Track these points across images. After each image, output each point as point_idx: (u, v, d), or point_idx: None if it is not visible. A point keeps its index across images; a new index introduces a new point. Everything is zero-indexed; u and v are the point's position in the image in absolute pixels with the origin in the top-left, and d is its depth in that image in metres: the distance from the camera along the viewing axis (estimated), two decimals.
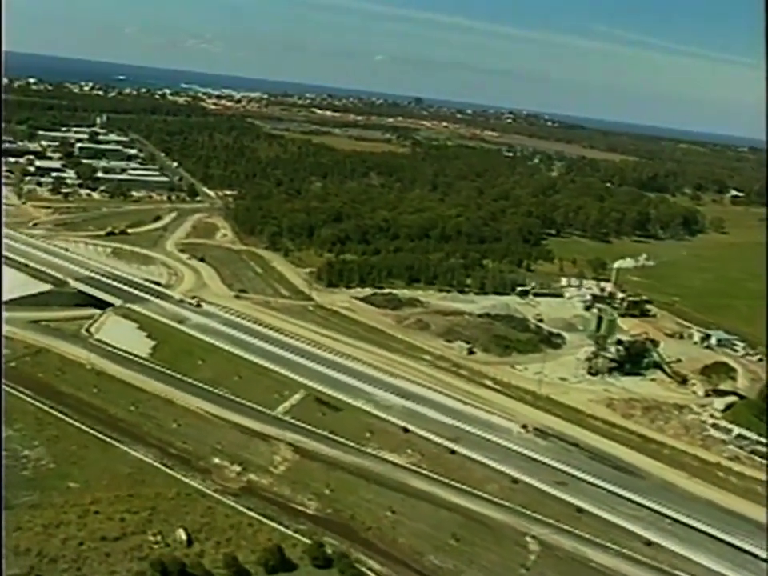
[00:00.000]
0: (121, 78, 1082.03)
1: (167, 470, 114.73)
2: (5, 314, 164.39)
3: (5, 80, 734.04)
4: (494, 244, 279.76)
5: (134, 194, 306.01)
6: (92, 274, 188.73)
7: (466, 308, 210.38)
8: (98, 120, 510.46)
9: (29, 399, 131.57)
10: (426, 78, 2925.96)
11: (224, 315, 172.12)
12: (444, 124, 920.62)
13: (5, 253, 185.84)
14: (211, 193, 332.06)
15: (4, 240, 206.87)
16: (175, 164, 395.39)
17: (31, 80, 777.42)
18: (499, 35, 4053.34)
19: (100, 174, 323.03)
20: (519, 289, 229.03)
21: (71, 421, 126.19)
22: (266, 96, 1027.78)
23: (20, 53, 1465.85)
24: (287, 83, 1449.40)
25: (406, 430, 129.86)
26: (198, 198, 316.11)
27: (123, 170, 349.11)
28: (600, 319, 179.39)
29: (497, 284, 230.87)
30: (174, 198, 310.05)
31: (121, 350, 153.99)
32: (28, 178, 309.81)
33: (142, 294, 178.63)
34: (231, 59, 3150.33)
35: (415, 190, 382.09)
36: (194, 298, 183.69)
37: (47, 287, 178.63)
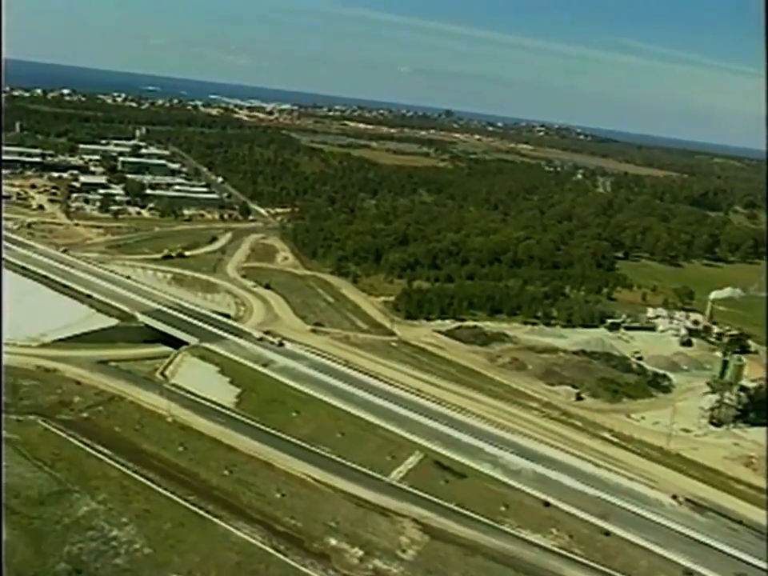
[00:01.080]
0: (151, 89, 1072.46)
1: (280, 555, 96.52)
2: (71, 353, 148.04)
3: (39, 90, 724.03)
4: (568, 269, 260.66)
5: (185, 212, 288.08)
6: (158, 306, 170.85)
7: (558, 343, 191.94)
8: (138, 133, 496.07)
9: (109, 461, 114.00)
10: (451, 90, 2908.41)
11: (311, 356, 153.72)
12: (477, 137, 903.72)
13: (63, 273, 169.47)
14: (262, 211, 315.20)
15: (58, 265, 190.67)
16: (220, 179, 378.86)
17: (65, 91, 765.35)
18: (525, 48, 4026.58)
19: (148, 191, 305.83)
20: (609, 321, 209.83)
21: (160, 489, 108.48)
22: (296, 107, 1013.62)
23: (52, 63, 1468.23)
24: (312, 94, 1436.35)
25: (546, 504, 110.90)
26: (251, 217, 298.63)
27: (170, 186, 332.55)
28: (725, 363, 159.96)
29: (584, 315, 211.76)
30: (226, 216, 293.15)
31: (202, 398, 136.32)
32: (75, 195, 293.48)
33: (215, 330, 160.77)
34: (256, 70, 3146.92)
35: (469, 208, 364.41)
36: (274, 336, 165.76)
37: (113, 321, 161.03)
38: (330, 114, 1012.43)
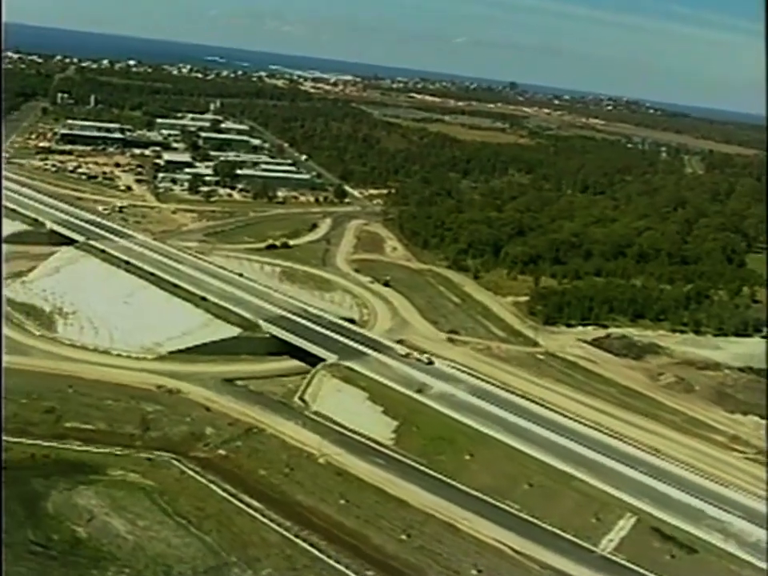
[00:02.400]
0: (213, 59, 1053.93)
1: None
2: (193, 368, 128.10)
3: (106, 62, 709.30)
4: (698, 265, 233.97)
5: (278, 194, 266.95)
6: (280, 311, 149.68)
7: (716, 356, 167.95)
8: (212, 106, 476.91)
9: (264, 519, 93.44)
10: (509, 61, 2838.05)
11: (466, 378, 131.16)
12: (545, 110, 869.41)
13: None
14: (355, 192, 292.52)
15: (163, 259, 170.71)
16: (304, 157, 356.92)
17: (131, 62, 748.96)
18: (585, 18, 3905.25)
19: (238, 171, 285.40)
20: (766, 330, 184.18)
21: (331, 561, 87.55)
22: (358, 79, 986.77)
23: (112, 35, 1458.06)
24: (368, 65, 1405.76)
25: None
26: (347, 200, 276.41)
27: (255, 164, 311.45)
28: None
29: (737, 323, 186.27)
30: (321, 199, 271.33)
31: (353, 431, 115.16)
32: (161, 175, 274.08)
33: (348, 342, 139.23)
34: (312, 41, 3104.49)
35: (567, 191, 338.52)
36: (409, 346, 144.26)
37: (234, 330, 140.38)
38: (394, 85, 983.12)
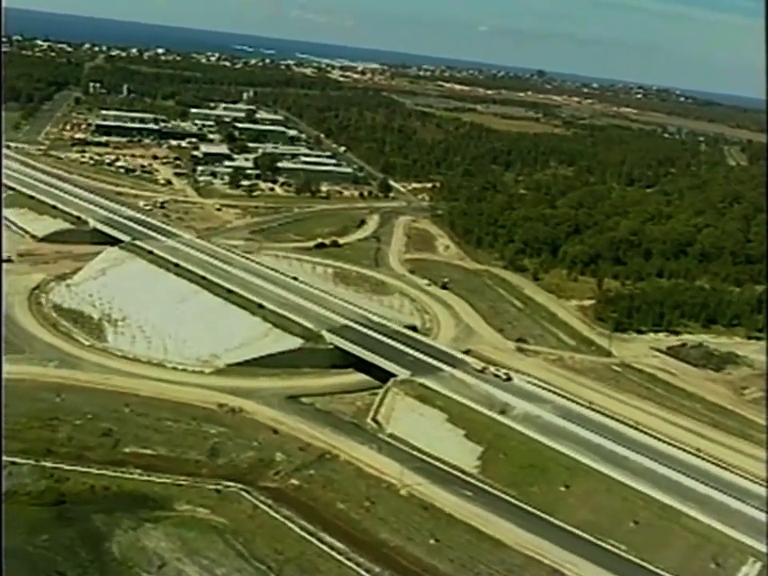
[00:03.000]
0: (240, 47, 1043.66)
1: None
2: (254, 383, 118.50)
3: (134, 50, 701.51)
4: (764, 265, 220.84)
5: (322, 188, 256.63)
6: (341, 320, 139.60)
7: None
8: (245, 95, 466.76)
9: (350, 563, 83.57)
10: (534, 49, 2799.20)
11: (548, 396, 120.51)
12: (576, 99, 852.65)
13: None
14: (398, 186, 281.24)
15: (212, 260, 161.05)
16: (342, 148, 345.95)
17: (159, 50, 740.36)
18: (610, 5, 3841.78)
19: (279, 165, 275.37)
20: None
21: None
22: (385, 67, 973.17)
23: (143, 23, 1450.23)
24: (393, 53, 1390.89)
25: None
26: (392, 195, 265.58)
27: (294, 157, 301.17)
28: None
29: None
30: (365, 194, 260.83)
31: (435, 457, 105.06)
32: (201, 168, 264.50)
33: (420, 356, 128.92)
34: (335, 29, 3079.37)
35: (613, 184, 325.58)
36: (477, 356, 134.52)
37: (295, 341, 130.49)
38: (421, 74, 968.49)
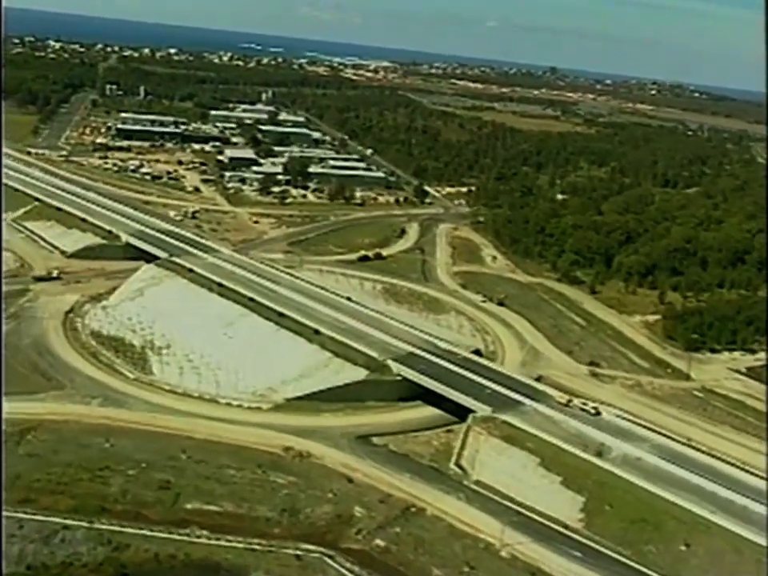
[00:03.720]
0: (253, 46, 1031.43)
1: None
2: (318, 421, 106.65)
3: (146, 50, 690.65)
4: None
5: (356, 194, 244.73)
6: (403, 344, 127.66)
7: None
8: (263, 96, 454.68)
9: None
10: (542, 44, 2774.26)
11: (642, 433, 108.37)
12: (590, 96, 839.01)
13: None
14: (432, 191, 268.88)
15: (257, 279, 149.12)
16: (369, 151, 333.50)
17: (172, 50, 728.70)
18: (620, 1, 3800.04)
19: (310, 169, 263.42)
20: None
21: None
22: (397, 65, 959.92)
23: (151, 23, 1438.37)
24: (400, 50, 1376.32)
25: None
26: (428, 201, 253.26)
27: (322, 160, 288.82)
28: None
29: None
30: (401, 200, 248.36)
31: (532, 509, 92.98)
32: (229, 174, 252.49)
33: (496, 387, 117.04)
34: (342, 26, 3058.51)
35: (648, 185, 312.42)
36: (547, 382, 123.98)
37: (359, 372, 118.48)
38: (433, 71, 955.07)
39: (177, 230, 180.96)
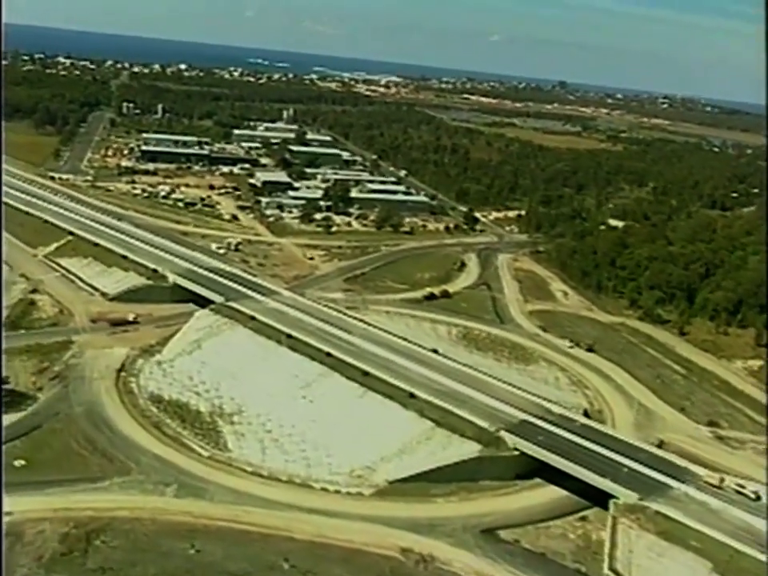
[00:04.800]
0: (259, 61, 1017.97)
1: None
2: (431, 511, 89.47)
3: (156, 66, 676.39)
4: None
5: (403, 221, 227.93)
6: (510, 409, 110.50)
7: None
8: (284, 114, 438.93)
9: None
10: (547, 58, 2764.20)
11: None
12: (604, 110, 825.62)
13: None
14: (477, 215, 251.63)
15: (330, 329, 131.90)
16: (403, 172, 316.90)
17: (182, 66, 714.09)
18: (620, 14, 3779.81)
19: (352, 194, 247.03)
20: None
21: None
22: (408, 80, 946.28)
23: (152, 38, 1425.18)
24: (404, 65, 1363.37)
25: None
26: (479, 228, 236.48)
27: (357, 183, 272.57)
28: None
29: None
30: (450, 227, 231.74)
31: None
32: (265, 200, 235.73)
33: (626, 462, 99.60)
34: (348, 41, 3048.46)
35: (695, 208, 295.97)
36: (668, 447, 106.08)
37: (471, 447, 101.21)
38: (443, 86, 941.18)
39: (226, 266, 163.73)
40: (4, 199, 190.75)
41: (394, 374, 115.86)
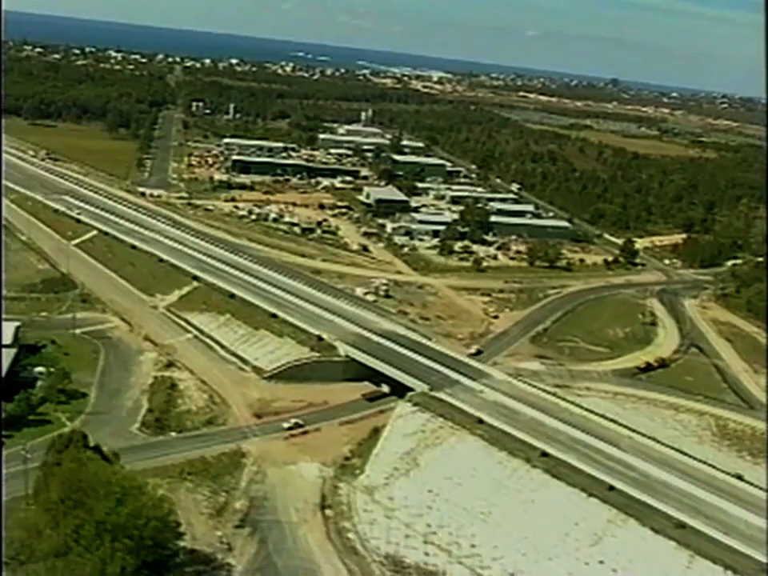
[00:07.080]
0: (299, 54, 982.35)
1: None
2: None
3: (207, 61, 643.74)
4: None
5: (555, 254, 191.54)
6: None
7: None
8: (363, 115, 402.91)
9: None
10: (587, 54, 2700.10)
11: None
12: (665, 110, 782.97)
13: None
14: (617, 241, 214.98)
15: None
16: (515, 186, 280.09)
17: (233, 60, 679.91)
18: (659, 9, 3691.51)
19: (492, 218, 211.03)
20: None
21: None
22: (459, 77, 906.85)
23: (190, 30, 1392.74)
24: (443, 60, 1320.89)
25: None
26: (641, 262, 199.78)
27: (477, 201, 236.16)
28: None
29: None
30: (609, 261, 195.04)
31: None
32: (392, 226, 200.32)
33: None
34: (382, 34, 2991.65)
35: None
36: None
37: None
38: (494, 83, 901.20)
39: (403, 331, 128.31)
40: (104, 228, 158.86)
41: (712, 522, 79.98)
